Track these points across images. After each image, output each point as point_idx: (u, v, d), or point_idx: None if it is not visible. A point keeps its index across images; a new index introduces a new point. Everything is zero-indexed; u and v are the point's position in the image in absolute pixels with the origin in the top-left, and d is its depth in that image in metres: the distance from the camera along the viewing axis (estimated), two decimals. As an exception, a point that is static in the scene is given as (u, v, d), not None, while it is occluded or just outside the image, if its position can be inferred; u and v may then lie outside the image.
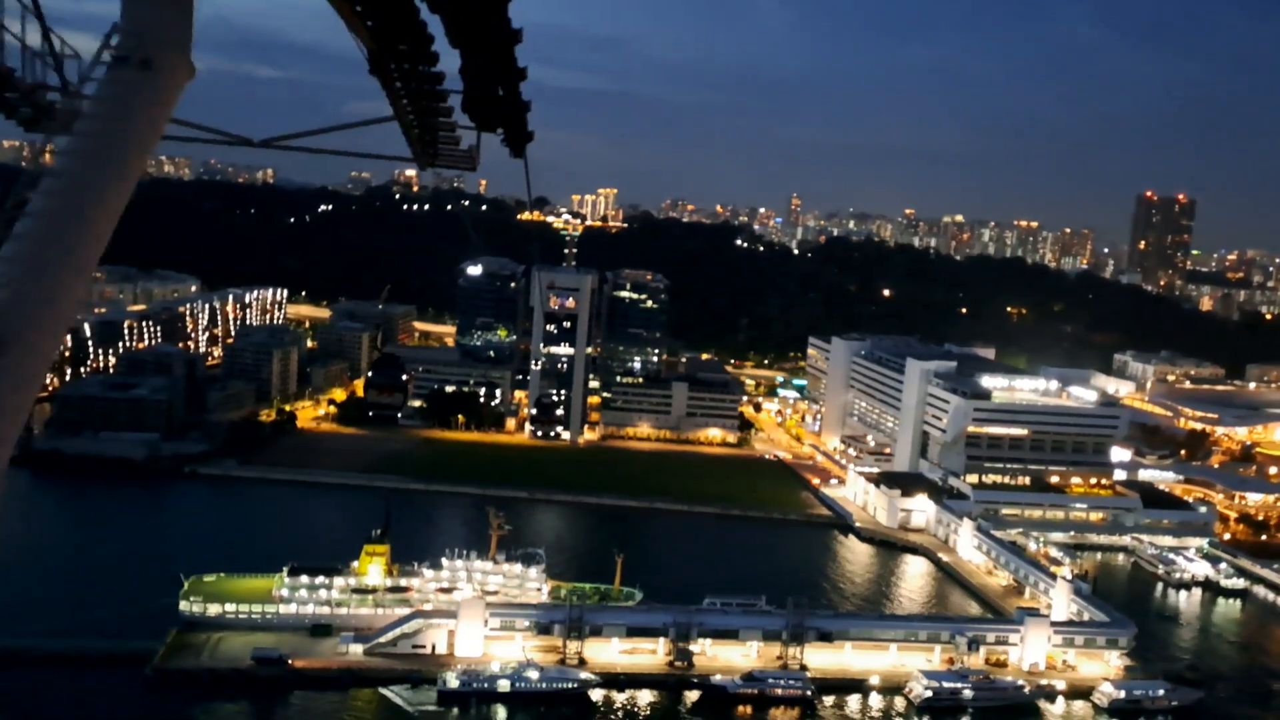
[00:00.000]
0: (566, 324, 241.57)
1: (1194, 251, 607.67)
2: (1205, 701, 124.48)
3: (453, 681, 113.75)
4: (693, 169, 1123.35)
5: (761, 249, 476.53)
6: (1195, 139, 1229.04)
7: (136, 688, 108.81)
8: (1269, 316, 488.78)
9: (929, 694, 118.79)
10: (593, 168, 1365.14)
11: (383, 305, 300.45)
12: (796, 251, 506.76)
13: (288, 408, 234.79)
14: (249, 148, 19.09)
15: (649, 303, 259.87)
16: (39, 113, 15.48)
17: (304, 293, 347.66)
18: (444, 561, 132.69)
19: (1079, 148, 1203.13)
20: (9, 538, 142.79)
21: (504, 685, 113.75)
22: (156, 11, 14.19)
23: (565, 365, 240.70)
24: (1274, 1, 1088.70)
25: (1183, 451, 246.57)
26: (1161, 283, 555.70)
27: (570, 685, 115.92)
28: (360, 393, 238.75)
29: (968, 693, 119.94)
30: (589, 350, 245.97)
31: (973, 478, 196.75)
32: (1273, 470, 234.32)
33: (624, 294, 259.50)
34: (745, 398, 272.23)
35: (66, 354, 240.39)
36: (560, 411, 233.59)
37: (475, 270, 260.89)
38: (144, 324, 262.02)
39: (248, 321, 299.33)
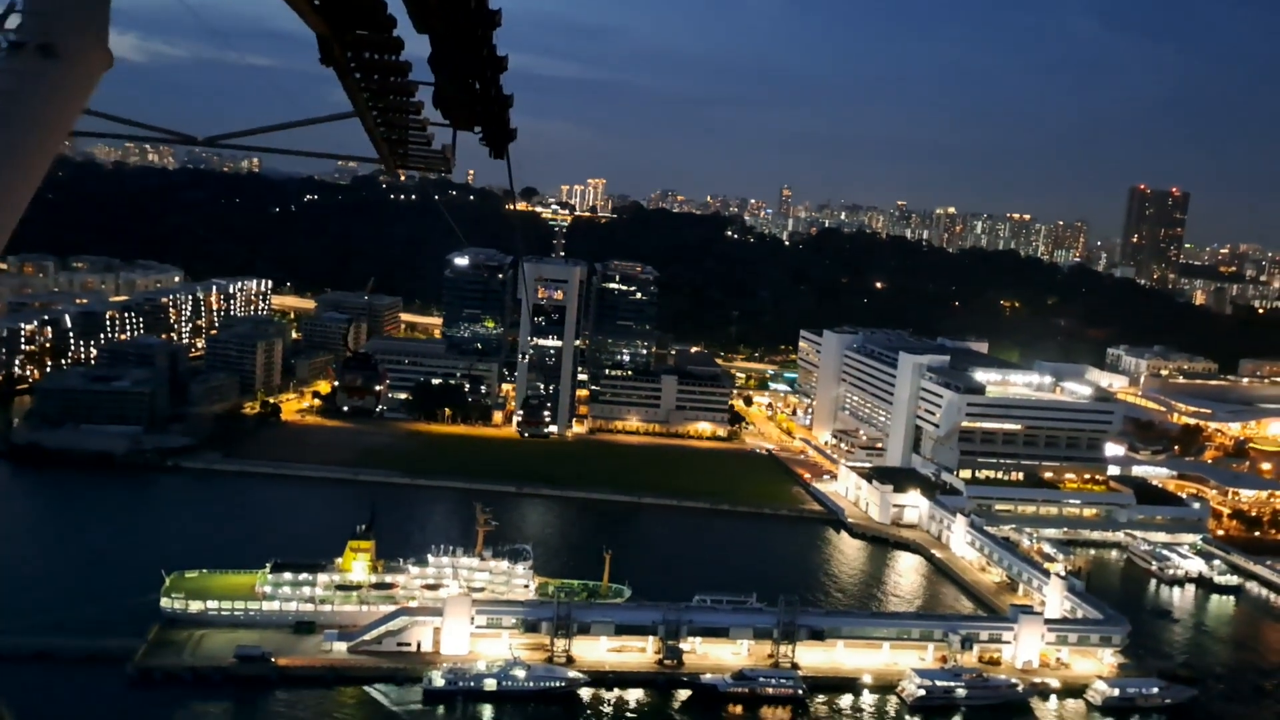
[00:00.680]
0: (554, 316, 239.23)
1: (1187, 245, 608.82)
2: (1199, 699, 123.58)
3: (438, 680, 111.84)
4: (683, 160, 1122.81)
5: (752, 240, 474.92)
6: (1189, 132, 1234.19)
7: (118, 686, 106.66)
8: (1262, 311, 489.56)
9: (922, 692, 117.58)
10: (581, 158, 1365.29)
11: (368, 296, 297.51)
12: (788, 243, 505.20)
13: (272, 400, 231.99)
14: (199, 145, 16.76)
15: (638, 294, 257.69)
16: None
17: (289, 283, 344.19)
18: (430, 558, 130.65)
19: (1072, 140, 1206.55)
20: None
21: (490, 684, 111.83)
22: None
23: (553, 358, 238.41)
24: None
25: (1176, 447, 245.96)
26: (1155, 276, 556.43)
27: (558, 684, 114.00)
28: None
29: (961, 691, 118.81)
30: (577, 342, 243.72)
31: (966, 473, 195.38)
32: (1266, 466, 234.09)
33: (613, 285, 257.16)
34: (736, 391, 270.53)
35: (47, 345, 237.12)
36: (548, 412, 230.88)
37: (462, 261, 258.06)
38: (126, 315, 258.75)
39: (232, 312, 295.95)
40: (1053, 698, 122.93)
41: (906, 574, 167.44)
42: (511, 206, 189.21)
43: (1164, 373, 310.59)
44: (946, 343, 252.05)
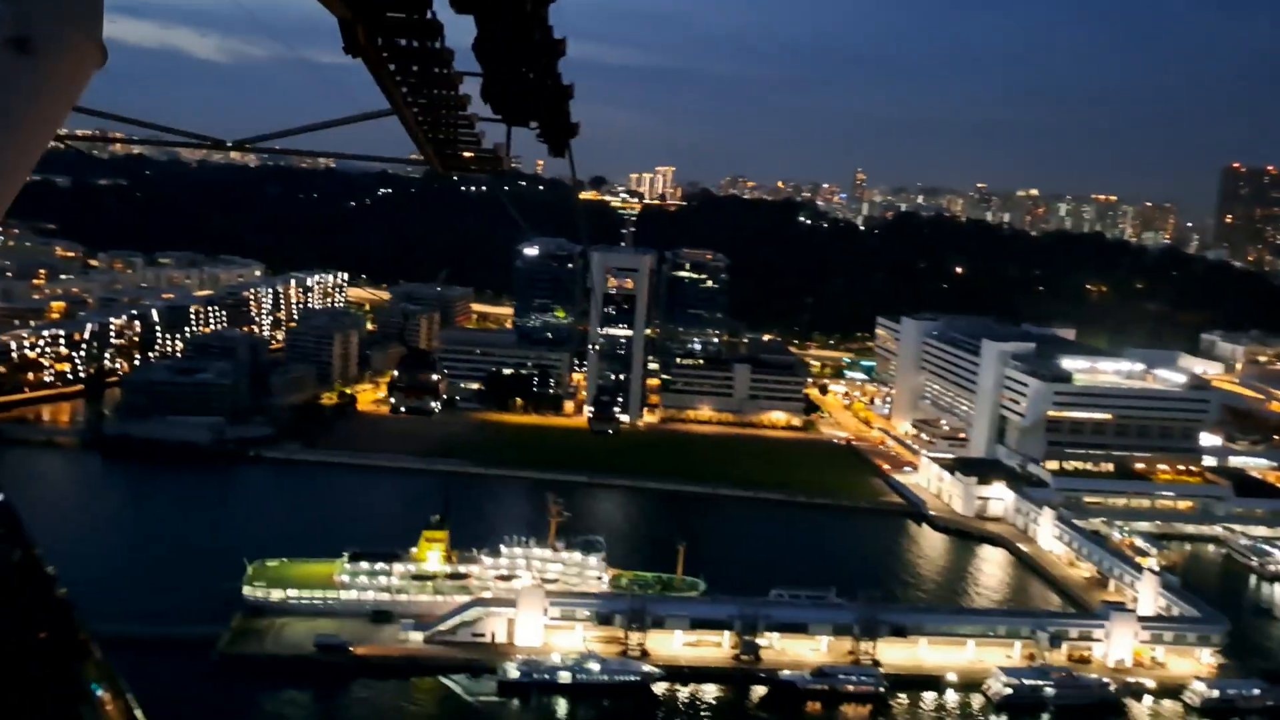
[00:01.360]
0: (625, 305, 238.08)
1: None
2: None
3: (513, 672, 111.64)
4: (752, 145, 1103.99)
5: (825, 226, 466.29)
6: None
7: (203, 673, 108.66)
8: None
9: (1009, 691, 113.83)
10: (650, 145, 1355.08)
11: (441, 288, 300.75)
12: (862, 228, 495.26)
13: (348, 391, 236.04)
14: (229, 150, 15.07)
15: (709, 282, 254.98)
16: None
17: (364, 275, 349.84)
18: (502, 548, 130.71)
19: (1160, 118, 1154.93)
20: (80, 523, 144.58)
21: (565, 676, 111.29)
22: None
23: (624, 347, 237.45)
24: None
25: (1276, 437, 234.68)
26: (1250, 258, 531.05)
27: (633, 678, 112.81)
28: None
29: (1050, 690, 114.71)
30: (648, 332, 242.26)
31: (1053, 464, 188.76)
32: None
33: (683, 274, 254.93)
34: (810, 380, 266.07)
35: (136, 339, 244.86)
36: (619, 407, 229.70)
37: (532, 252, 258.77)
38: (210, 309, 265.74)
39: (309, 305, 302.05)
40: (1147, 698, 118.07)
41: (991, 568, 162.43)
42: (576, 201, 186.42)
43: (1262, 359, 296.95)
44: (1031, 329, 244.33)
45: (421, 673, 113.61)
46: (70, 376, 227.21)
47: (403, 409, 27.61)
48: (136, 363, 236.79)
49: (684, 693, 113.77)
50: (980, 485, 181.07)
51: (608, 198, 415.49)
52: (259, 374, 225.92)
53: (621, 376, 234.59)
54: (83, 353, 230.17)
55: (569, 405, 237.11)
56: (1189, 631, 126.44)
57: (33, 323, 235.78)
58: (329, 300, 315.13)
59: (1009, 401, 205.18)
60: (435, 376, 27.56)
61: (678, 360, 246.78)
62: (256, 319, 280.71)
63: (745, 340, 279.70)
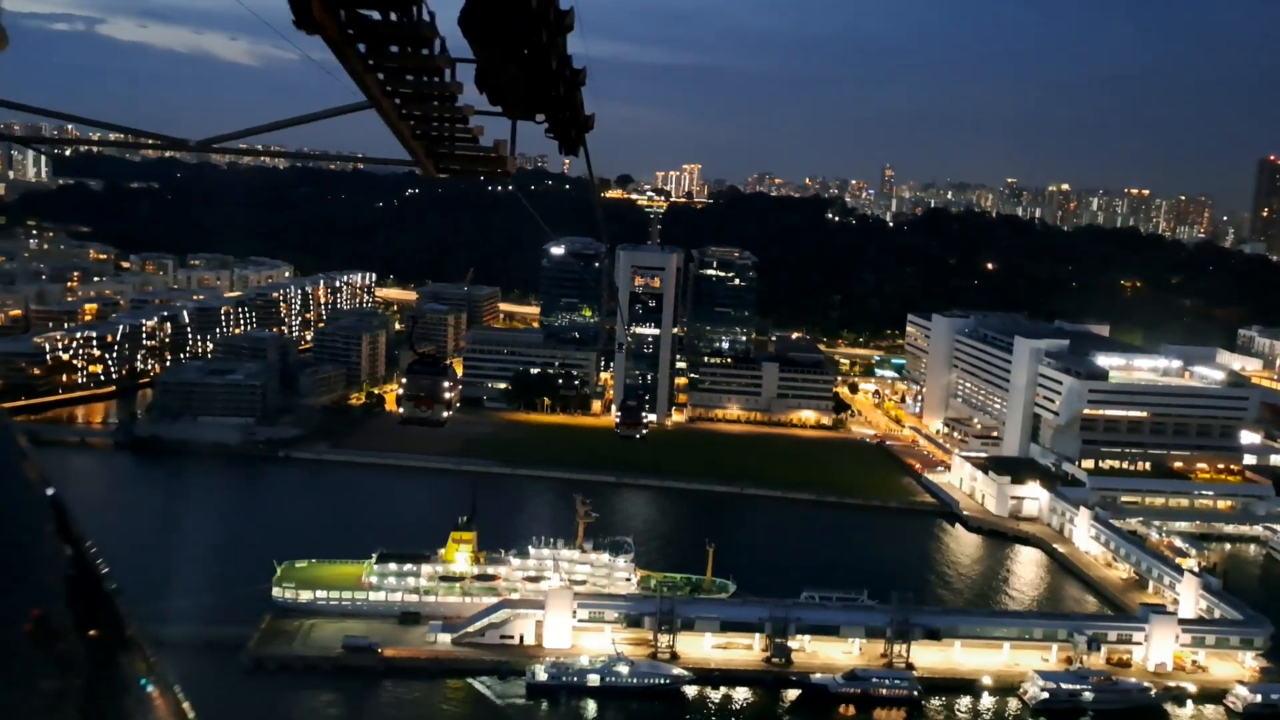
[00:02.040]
0: (652, 304, 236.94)
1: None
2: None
3: (541, 674, 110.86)
4: (779, 142, 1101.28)
5: (854, 222, 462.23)
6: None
7: (233, 674, 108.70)
8: None
9: (1045, 695, 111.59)
10: (675, 143, 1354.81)
11: (468, 287, 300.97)
12: (891, 224, 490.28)
13: (376, 391, 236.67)
14: (192, 149, 13.57)
15: (736, 280, 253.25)
16: None
17: (391, 276, 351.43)
18: (531, 549, 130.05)
19: (1193, 111, 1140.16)
20: (111, 522, 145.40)
21: (594, 679, 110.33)
22: None
23: (651, 346, 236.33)
24: None
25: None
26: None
27: (663, 681, 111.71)
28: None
29: (1088, 695, 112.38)
30: (675, 330, 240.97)
31: (1088, 463, 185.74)
32: None
33: (710, 272, 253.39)
34: (840, 378, 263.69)
35: (167, 340, 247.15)
36: (646, 411, 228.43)
37: (558, 251, 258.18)
38: (240, 310, 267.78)
39: (338, 305, 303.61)
40: (1189, 703, 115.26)
41: (1026, 570, 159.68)
42: (595, 200, 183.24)
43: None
44: (1065, 326, 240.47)
45: (449, 675, 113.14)
46: (103, 378, 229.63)
47: (408, 420, 25.68)
48: (168, 364, 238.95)
49: (714, 696, 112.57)
50: (1014, 485, 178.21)
51: (633, 196, 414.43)
52: (288, 375, 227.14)
53: (649, 376, 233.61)
54: (115, 354, 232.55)
55: (596, 405, 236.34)
56: (1231, 635, 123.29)
57: (66, 325, 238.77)
58: (358, 301, 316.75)
59: (1043, 399, 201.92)
60: (445, 383, 25.62)
61: (705, 359, 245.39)
62: (286, 320, 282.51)
63: (773, 338, 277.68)
